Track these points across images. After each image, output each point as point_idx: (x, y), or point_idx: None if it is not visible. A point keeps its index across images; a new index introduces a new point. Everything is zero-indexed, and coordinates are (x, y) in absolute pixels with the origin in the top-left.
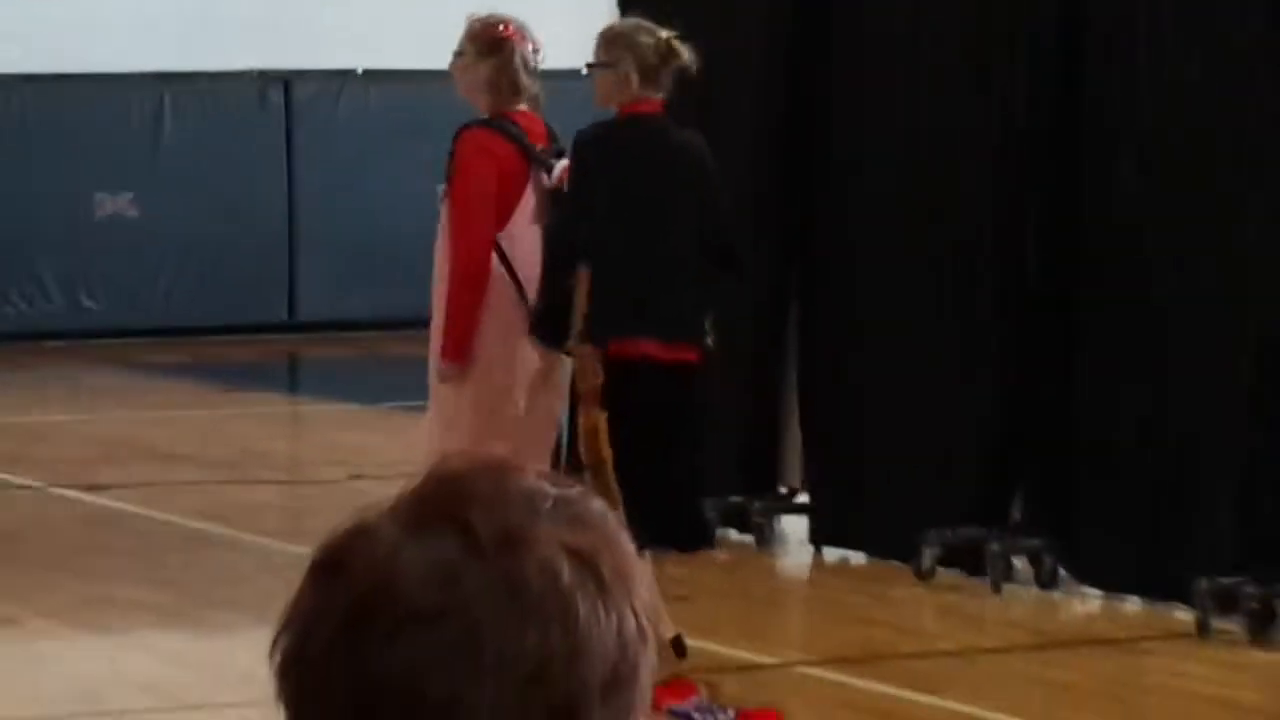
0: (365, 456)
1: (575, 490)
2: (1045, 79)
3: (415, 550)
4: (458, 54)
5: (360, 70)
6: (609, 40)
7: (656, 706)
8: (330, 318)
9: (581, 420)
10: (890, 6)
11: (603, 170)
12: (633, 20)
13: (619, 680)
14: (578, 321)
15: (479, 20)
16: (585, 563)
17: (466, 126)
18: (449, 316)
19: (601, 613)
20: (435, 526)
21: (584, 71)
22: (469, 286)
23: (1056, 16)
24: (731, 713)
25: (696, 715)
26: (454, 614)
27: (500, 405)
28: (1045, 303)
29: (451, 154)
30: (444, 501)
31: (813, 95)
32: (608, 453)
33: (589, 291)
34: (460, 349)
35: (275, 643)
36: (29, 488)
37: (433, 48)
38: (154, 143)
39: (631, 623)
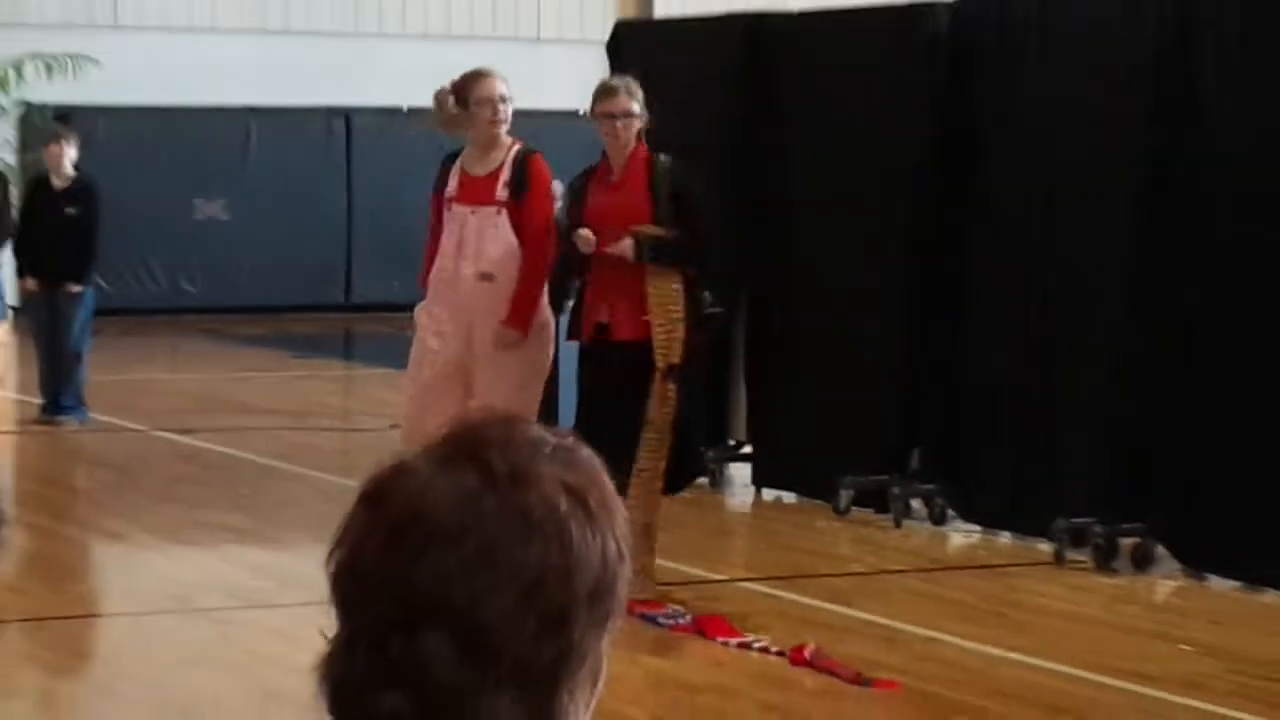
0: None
1: (569, 439)
2: (944, 99)
3: (443, 482)
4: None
5: (405, 108)
6: (639, 92)
7: (630, 612)
8: (378, 300)
9: (666, 389)
10: (820, 59)
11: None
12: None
13: (601, 591)
14: (678, 309)
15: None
16: (577, 496)
17: (533, 153)
18: (527, 299)
19: (589, 536)
20: (460, 464)
21: (585, 113)
22: (541, 278)
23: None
24: (690, 617)
25: (662, 618)
26: (474, 533)
27: (547, 369)
28: (940, 302)
29: (523, 173)
30: (467, 444)
31: (760, 123)
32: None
33: (696, 284)
34: (529, 324)
35: (330, 556)
36: (136, 430)
37: None
38: (242, 161)
39: (613, 545)
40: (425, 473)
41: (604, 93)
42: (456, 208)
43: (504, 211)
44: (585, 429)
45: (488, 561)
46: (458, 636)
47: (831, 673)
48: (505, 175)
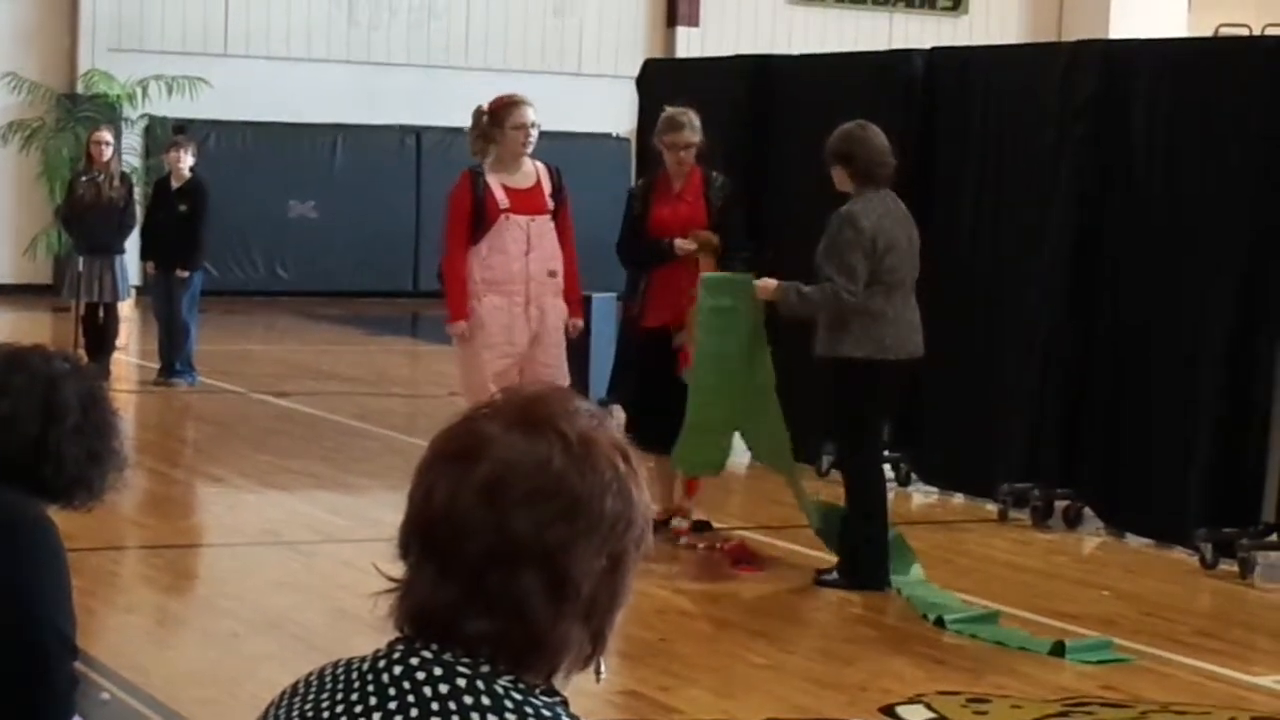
0: (458, 381)
1: (597, 406)
2: (918, 131)
3: (526, 446)
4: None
5: (467, 129)
6: (698, 122)
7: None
8: (440, 289)
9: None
10: (815, 96)
11: None
12: None
13: (643, 535)
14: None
15: None
16: (625, 456)
17: (557, 167)
18: (580, 289)
19: (636, 491)
20: (538, 431)
21: (617, 135)
22: None
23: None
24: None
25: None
26: (560, 490)
27: None
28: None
29: (561, 185)
30: (539, 414)
31: (763, 148)
32: None
33: None
34: None
35: (416, 504)
36: (236, 392)
37: None
38: (329, 169)
39: (646, 495)
40: (507, 438)
41: (672, 127)
42: (515, 217)
43: (550, 217)
44: (647, 396)
45: (573, 514)
46: (547, 575)
47: (724, 554)
48: (547, 187)
